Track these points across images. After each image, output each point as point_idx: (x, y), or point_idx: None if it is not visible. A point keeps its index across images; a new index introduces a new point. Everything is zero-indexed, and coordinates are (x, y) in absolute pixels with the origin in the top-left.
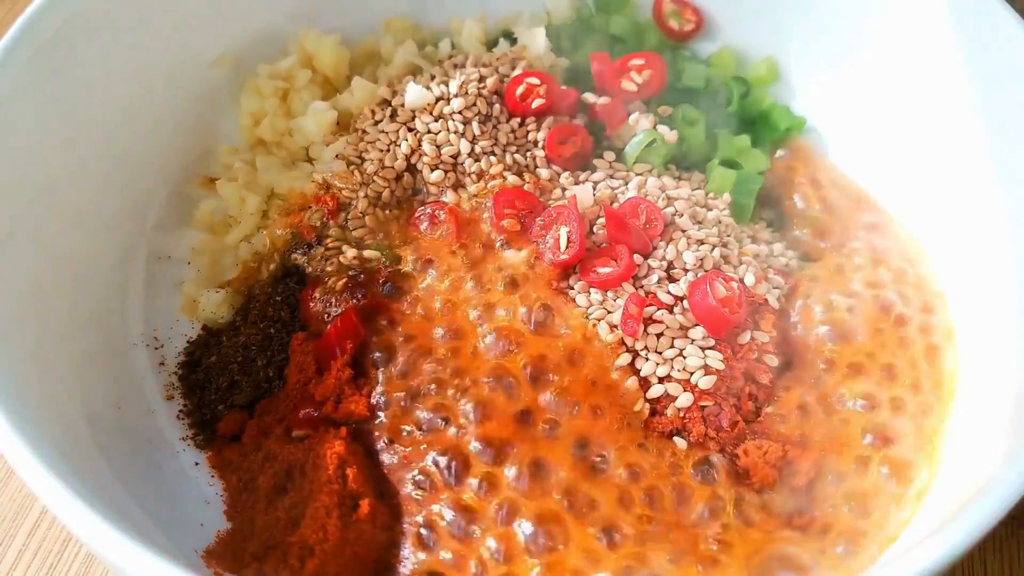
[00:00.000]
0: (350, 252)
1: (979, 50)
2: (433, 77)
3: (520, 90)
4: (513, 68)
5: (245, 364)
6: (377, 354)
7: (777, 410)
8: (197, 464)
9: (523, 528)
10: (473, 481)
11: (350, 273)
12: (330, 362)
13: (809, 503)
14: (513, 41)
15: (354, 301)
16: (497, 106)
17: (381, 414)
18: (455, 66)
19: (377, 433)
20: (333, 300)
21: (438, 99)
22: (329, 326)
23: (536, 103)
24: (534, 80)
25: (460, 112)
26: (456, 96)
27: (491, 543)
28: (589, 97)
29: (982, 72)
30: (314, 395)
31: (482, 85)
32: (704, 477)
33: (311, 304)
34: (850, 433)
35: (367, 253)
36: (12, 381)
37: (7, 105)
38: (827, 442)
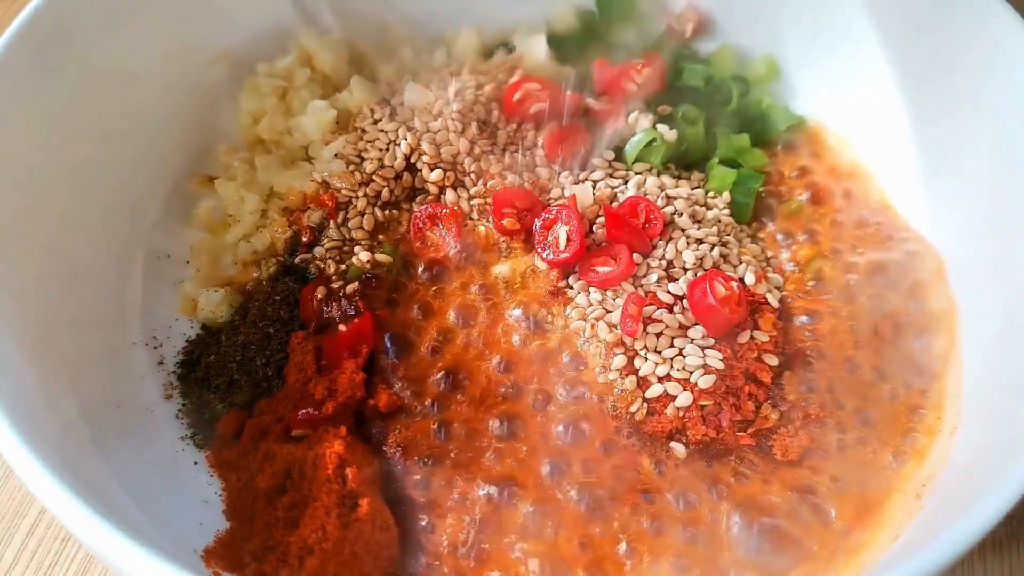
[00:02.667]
0: (364, 255)
1: (979, 49)
2: (430, 84)
3: (518, 95)
4: (510, 76)
5: (244, 363)
6: (384, 356)
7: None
8: (196, 463)
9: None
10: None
11: (365, 276)
12: (340, 362)
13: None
14: (511, 51)
15: (366, 304)
16: (496, 112)
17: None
18: (451, 74)
19: (378, 432)
20: (342, 302)
21: (437, 98)
22: (343, 327)
23: (535, 108)
24: (533, 86)
25: (459, 112)
26: (454, 102)
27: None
28: (589, 100)
29: (982, 71)
30: (314, 394)
31: (480, 92)
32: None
33: (311, 303)
34: (847, 432)
35: (379, 256)
36: (11, 380)
37: (7, 105)
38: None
